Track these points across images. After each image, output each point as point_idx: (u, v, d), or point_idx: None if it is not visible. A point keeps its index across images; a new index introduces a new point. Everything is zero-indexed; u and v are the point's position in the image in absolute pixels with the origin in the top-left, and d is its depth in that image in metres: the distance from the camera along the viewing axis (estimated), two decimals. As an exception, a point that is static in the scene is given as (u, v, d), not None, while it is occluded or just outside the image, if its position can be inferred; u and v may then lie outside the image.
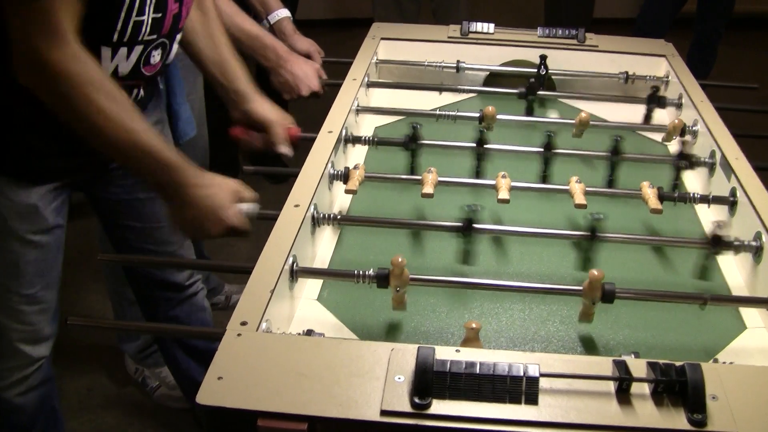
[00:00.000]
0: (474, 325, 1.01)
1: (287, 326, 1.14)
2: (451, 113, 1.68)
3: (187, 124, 1.89)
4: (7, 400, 1.57)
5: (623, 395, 0.88)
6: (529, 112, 1.81)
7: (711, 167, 1.51)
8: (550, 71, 1.91)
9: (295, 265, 1.15)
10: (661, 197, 1.39)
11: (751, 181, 1.36)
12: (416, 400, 0.85)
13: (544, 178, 1.53)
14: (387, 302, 1.16)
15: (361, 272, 1.13)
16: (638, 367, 0.90)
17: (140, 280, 1.79)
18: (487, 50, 1.99)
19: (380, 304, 1.20)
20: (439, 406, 0.85)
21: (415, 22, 2.89)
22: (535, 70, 1.90)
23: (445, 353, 0.90)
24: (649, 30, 3.33)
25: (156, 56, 1.36)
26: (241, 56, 1.61)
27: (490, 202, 1.40)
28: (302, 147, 1.50)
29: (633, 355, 1.02)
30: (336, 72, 1.92)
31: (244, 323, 0.98)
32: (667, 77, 1.91)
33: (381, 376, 0.89)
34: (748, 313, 1.22)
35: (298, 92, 1.84)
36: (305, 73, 1.84)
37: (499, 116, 1.64)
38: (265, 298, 1.03)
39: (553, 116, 1.84)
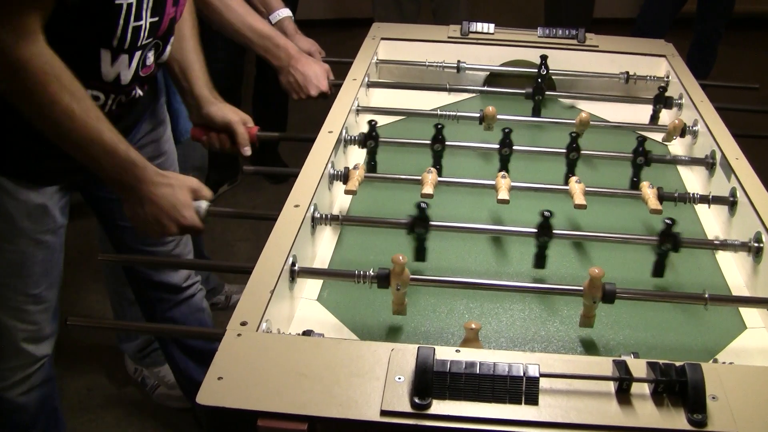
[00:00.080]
0: (474, 326, 1.01)
1: (287, 326, 1.14)
2: (452, 113, 1.68)
3: (187, 122, 1.90)
4: (10, 399, 1.57)
5: (623, 395, 0.88)
6: (536, 112, 1.81)
7: (711, 167, 1.51)
8: (550, 71, 1.91)
9: (295, 265, 1.15)
10: (661, 197, 1.39)
11: (751, 181, 1.36)
12: (416, 400, 0.85)
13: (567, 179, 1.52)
14: (387, 302, 1.16)
15: (361, 272, 1.13)
16: (638, 367, 0.90)
17: (139, 281, 1.79)
18: (487, 50, 1.99)
19: (380, 305, 1.20)
20: (439, 407, 0.85)
21: (415, 22, 2.90)
22: (536, 71, 1.90)
23: (445, 353, 0.90)
24: (649, 30, 3.33)
25: (150, 57, 1.37)
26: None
27: (490, 203, 1.40)
28: (302, 147, 1.51)
29: (633, 355, 1.02)
30: (336, 72, 1.92)
31: (244, 323, 0.98)
32: (667, 77, 1.91)
33: (381, 377, 0.89)
34: (748, 313, 1.22)
35: (307, 92, 1.85)
36: (315, 73, 1.85)
37: (499, 116, 1.64)
38: (265, 298, 1.03)
39: (553, 116, 1.84)
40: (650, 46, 2.01)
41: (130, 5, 1.23)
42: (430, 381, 0.86)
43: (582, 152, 1.56)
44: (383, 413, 0.85)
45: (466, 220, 1.41)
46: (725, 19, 3.57)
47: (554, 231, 1.26)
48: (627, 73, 1.92)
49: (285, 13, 1.98)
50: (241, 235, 2.96)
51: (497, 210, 1.44)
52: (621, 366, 0.89)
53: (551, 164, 1.59)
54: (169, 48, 1.42)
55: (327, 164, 1.38)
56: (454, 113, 1.68)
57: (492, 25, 2.03)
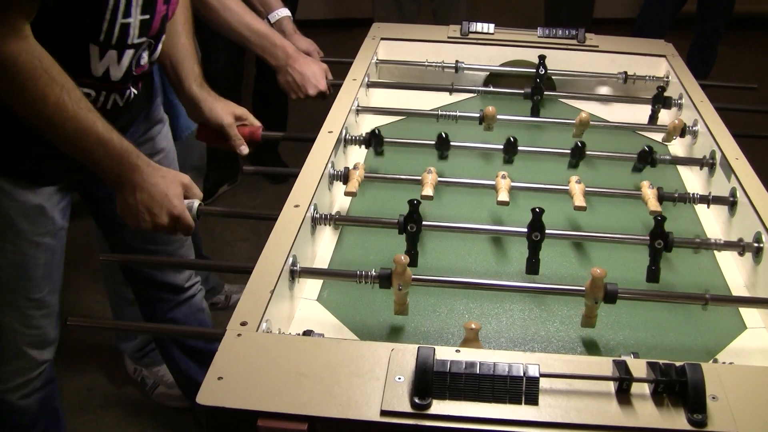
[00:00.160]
0: (474, 326, 1.01)
1: (287, 326, 1.14)
2: (452, 113, 1.68)
3: (187, 120, 1.90)
4: (10, 402, 1.57)
5: (623, 395, 0.88)
6: (535, 112, 1.81)
7: (711, 167, 1.51)
8: (550, 71, 1.91)
9: (295, 265, 1.15)
10: (661, 197, 1.39)
11: (751, 181, 1.36)
12: (416, 400, 0.85)
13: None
14: (387, 302, 1.16)
15: (363, 272, 1.13)
16: (638, 367, 0.90)
17: (139, 281, 1.79)
18: (487, 50, 1.99)
19: (380, 305, 1.20)
20: (439, 407, 0.85)
21: (415, 22, 2.90)
22: (535, 71, 1.90)
23: (445, 353, 0.90)
24: (649, 30, 3.33)
25: (145, 57, 1.37)
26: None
27: (490, 203, 1.40)
28: (302, 147, 1.51)
29: (633, 355, 1.02)
30: (336, 72, 1.92)
31: (244, 323, 0.98)
32: (667, 77, 1.91)
33: (381, 377, 0.89)
34: (748, 313, 1.22)
35: (305, 92, 1.85)
36: (313, 72, 1.85)
37: (499, 116, 1.64)
38: (265, 298, 1.03)
39: (552, 116, 1.84)
40: (650, 46, 2.01)
41: (117, 1, 1.23)
42: (430, 381, 0.86)
43: (608, 153, 1.57)
44: (383, 413, 0.85)
45: (466, 220, 1.41)
46: (725, 19, 3.57)
47: (554, 231, 1.26)
48: (625, 73, 1.92)
49: (284, 12, 1.98)
50: (241, 235, 2.96)
51: (497, 210, 1.44)
52: (621, 366, 0.89)
53: (551, 164, 1.59)
54: (161, 46, 1.42)
55: (327, 164, 1.38)
56: (454, 113, 1.68)
57: (492, 25, 2.02)
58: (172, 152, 1.70)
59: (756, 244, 1.25)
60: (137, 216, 1.29)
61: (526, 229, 1.25)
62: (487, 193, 1.43)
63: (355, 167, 1.42)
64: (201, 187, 2.11)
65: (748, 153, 1.46)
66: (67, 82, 1.19)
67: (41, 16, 1.16)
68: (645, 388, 0.89)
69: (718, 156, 1.49)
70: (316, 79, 1.85)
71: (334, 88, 1.76)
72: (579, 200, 1.36)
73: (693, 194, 1.41)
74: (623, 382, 0.87)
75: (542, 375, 0.87)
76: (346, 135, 1.54)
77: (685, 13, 3.56)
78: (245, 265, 1.13)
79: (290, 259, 1.13)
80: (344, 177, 1.41)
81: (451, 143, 1.54)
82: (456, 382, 0.86)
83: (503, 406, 0.86)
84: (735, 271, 1.33)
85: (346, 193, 1.38)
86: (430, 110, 1.73)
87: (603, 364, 0.92)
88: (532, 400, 0.86)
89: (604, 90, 1.95)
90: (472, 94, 1.89)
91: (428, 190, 1.36)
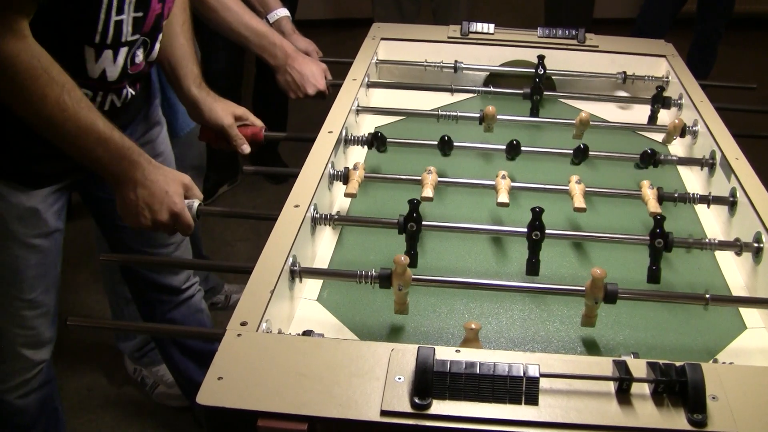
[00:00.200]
0: (474, 326, 1.01)
1: (287, 326, 1.14)
2: (452, 113, 1.68)
3: (186, 118, 1.90)
4: (9, 402, 1.57)
5: (623, 395, 0.88)
6: (535, 112, 1.81)
7: (711, 167, 1.51)
8: (550, 71, 1.91)
9: (295, 265, 1.15)
10: (661, 197, 1.39)
11: (751, 181, 1.36)
12: (416, 400, 0.85)
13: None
14: (387, 303, 1.16)
15: (363, 272, 1.13)
16: (638, 367, 0.90)
17: (137, 282, 1.79)
18: (487, 50, 1.99)
19: (380, 305, 1.20)
20: (439, 407, 0.85)
21: (415, 22, 2.90)
22: (534, 71, 1.90)
23: (445, 353, 0.90)
24: (649, 30, 3.33)
25: (140, 55, 1.36)
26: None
27: (491, 203, 1.40)
28: (302, 147, 1.51)
29: (633, 355, 1.02)
30: (336, 72, 1.92)
31: (244, 323, 0.98)
32: (667, 77, 1.91)
33: (381, 377, 0.89)
34: (748, 313, 1.22)
35: (305, 91, 1.84)
36: (312, 72, 1.85)
37: (499, 116, 1.64)
38: (265, 298, 1.03)
39: (552, 116, 1.84)
40: (650, 46, 2.01)
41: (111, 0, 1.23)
42: (430, 381, 0.86)
43: (612, 154, 1.57)
44: (383, 413, 0.85)
45: (466, 220, 1.41)
46: (725, 19, 3.57)
47: (554, 231, 1.26)
48: (624, 73, 1.92)
49: (283, 12, 1.98)
50: (241, 235, 2.96)
51: (497, 210, 1.44)
52: (621, 366, 0.89)
53: (551, 164, 1.59)
54: (158, 46, 1.41)
55: (327, 164, 1.38)
56: (455, 113, 1.68)
57: (492, 25, 2.02)
58: (170, 156, 1.70)
59: (756, 244, 1.25)
60: (137, 212, 1.29)
61: (526, 229, 1.25)
62: (487, 193, 1.43)
63: (355, 167, 1.42)
64: (201, 186, 2.11)
65: (748, 153, 1.46)
66: (68, 82, 1.18)
67: (36, 20, 1.16)
68: (645, 388, 0.88)
69: (718, 156, 1.49)
70: (315, 79, 1.85)
71: (334, 88, 1.76)
72: (579, 202, 1.36)
73: (693, 194, 1.42)
74: (623, 382, 0.87)
75: (542, 375, 0.87)
76: (346, 135, 1.54)
77: (685, 13, 3.56)
78: (245, 265, 1.13)
79: (290, 259, 1.13)
80: (344, 177, 1.41)
81: (454, 143, 1.54)
82: (456, 382, 0.86)
83: (503, 406, 0.86)
84: (735, 271, 1.33)
85: (346, 195, 1.38)
86: (430, 110, 1.73)
87: (603, 364, 0.92)
88: (532, 400, 0.86)
89: (603, 90, 1.95)
90: (472, 94, 1.89)
91: (428, 192, 1.36)
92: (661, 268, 1.25)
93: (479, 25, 2.03)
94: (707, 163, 1.52)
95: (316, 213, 1.29)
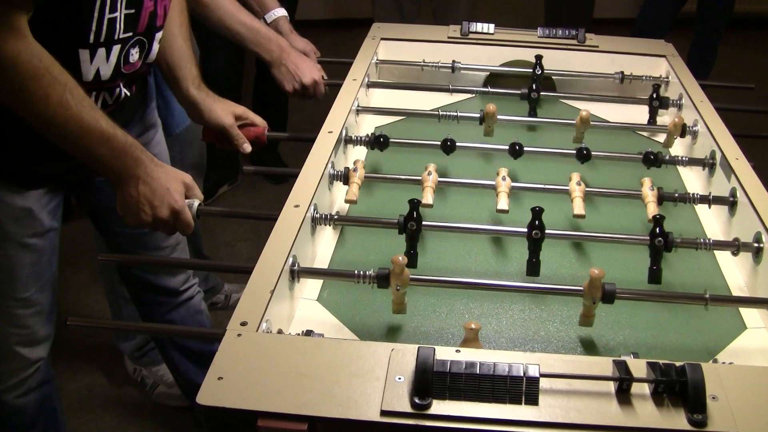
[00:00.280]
0: (474, 326, 1.01)
1: (287, 326, 1.14)
2: (452, 113, 1.68)
3: (181, 114, 1.90)
4: (7, 402, 1.56)
5: (623, 395, 0.88)
6: (532, 113, 1.81)
7: (711, 167, 1.51)
8: (550, 72, 1.92)
9: (295, 265, 1.15)
10: (661, 197, 1.39)
11: (751, 181, 1.36)
12: (416, 400, 0.85)
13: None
14: (387, 303, 1.16)
15: (361, 272, 1.13)
16: (638, 367, 0.90)
17: (135, 284, 1.79)
18: (487, 50, 1.99)
19: (380, 305, 1.20)
20: (439, 407, 0.85)
21: (415, 22, 2.90)
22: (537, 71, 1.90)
23: (445, 353, 0.90)
24: (649, 30, 3.33)
25: (134, 54, 1.36)
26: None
27: (491, 203, 1.40)
28: (302, 147, 1.51)
29: (633, 355, 1.02)
30: (336, 72, 1.92)
31: (244, 323, 0.98)
32: (667, 77, 1.91)
33: (381, 377, 0.89)
34: (748, 313, 1.22)
35: (300, 80, 1.84)
36: (307, 65, 1.85)
37: (499, 117, 1.64)
38: (265, 298, 1.03)
39: (552, 116, 1.84)
40: (650, 46, 2.01)
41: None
42: (430, 381, 0.86)
43: (614, 154, 1.57)
44: (383, 413, 0.85)
45: (466, 220, 1.41)
46: (725, 19, 3.57)
47: (554, 231, 1.26)
48: (622, 73, 1.92)
49: (280, 12, 1.98)
50: (241, 235, 2.96)
51: (497, 210, 1.44)
52: (621, 366, 0.89)
53: (551, 164, 1.59)
54: (156, 46, 1.41)
55: (327, 164, 1.38)
56: (455, 113, 1.68)
57: (492, 26, 2.03)
58: (166, 158, 1.69)
59: (756, 244, 1.25)
60: (138, 209, 1.28)
61: (526, 230, 1.25)
62: (487, 193, 1.43)
63: (355, 168, 1.42)
64: (201, 186, 2.10)
65: (748, 153, 1.46)
66: (69, 81, 1.18)
67: (31, 24, 1.15)
68: (645, 388, 0.88)
69: (718, 156, 1.49)
70: (311, 70, 1.84)
71: (335, 88, 1.76)
72: (578, 208, 1.35)
73: (693, 194, 1.42)
74: (623, 382, 0.87)
75: (542, 375, 0.87)
76: (346, 135, 1.54)
77: (685, 13, 3.56)
78: (245, 265, 1.13)
79: (290, 259, 1.13)
80: (344, 177, 1.41)
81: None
82: (456, 382, 0.86)
83: (503, 406, 0.86)
84: (735, 271, 1.33)
85: (347, 201, 1.38)
86: (431, 110, 1.73)
87: (603, 364, 0.92)
88: (532, 400, 0.86)
89: (603, 90, 1.95)
90: (470, 95, 1.89)
91: (428, 199, 1.36)
92: (662, 268, 1.25)
93: (479, 25, 2.03)
94: (707, 163, 1.52)
95: (316, 213, 1.29)
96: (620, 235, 1.31)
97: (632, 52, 1.98)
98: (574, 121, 1.64)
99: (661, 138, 1.71)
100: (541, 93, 1.85)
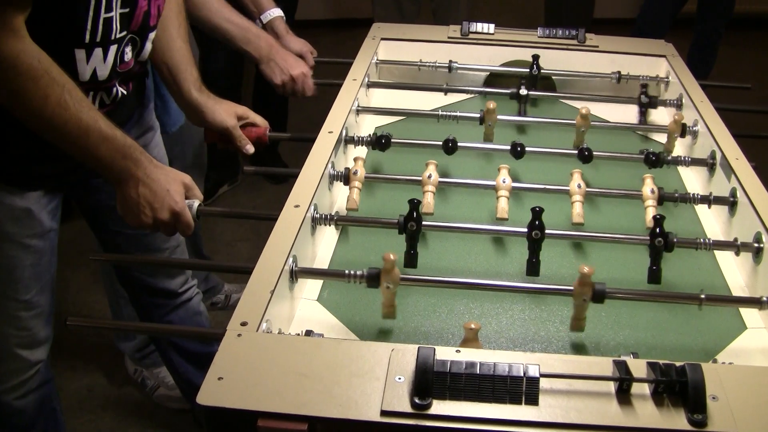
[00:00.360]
0: (473, 326, 1.01)
1: (287, 327, 1.14)
2: (452, 113, 1.68)
3: (177, 113, 1.89)
4: (7, 403, 1.56)
5: (623, 396, 0.88)
6: (522, 112, 1.81)
7: (711, 167, 1.51)
8: (550, 72, 1.92)
9: (295, 265, 1.15)
10: (662, 198, 1.39)
11: (751, 182, 1.36)
12: (416, 400, 0.85)
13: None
14: (387, 302, 1.16)
15: (352, 272, 1.13)
16: (638, 367, 0.90)
17: (133, 286, 1.78)
18: (488, 50, 1.99)
19: (380, 305, 1.20)
20: (439, 407, 0.85)
21: (415, 22, 2.90)
22: (536, 71, 1.90)
23: (446, 353, 0.90)
24: (649, 30, 3.33)
25: (128, 53, 1.36)
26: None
27: (491, 203, 1.40)
28: (302, 147, 1.51)
29: (633, 356, 1.02)
30: (336, 72, 1.92)
31: (244, 323, 0.98)
32: (667, 77, 1.91)
33: (381, 377, 0.89)
34: (748, 313, 1.22)
35: (289, 72, 1.83)
36: (294, 59, 1.85)
37: (499, 117, 1.64)
38: (265, 298, 1.03)
39: (552, 116, 1.84)
40: (650, 46, 2.01)
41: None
42: (431, 381, 0.86)
43: (616, 154, 1.57)
44: (383, 413, 0.85)
45: (466, 220, 1.41)
46: (725, 19, 3.57)
47: (554, 231, 1.26)
48: (618, 72, 1.91)
49: (276, 12, 1.98)
50: (241, 235, 2.96)
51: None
52: (621, 366, 0.89)
53: (551, 164, 1.59)
54: (148, 45, 1.41)
55: (327, 164, 1.38)
56: (455, 113, 1.68)
57: (492, 26, 2.02)
58: (164, 160, 1.69)
59: (756, 245, 1.25)
60: (139, 211, 1.28)
61: (526, 229, 1.25)
62: (487, 193, 1.43)
63: (356, 171, 1.41)
64: (202, 185, 2.09)
65: (748, 153, 1.46)
66: (68, 82, 1.18)
67: (26, 25, 1.15)
68: (645, 389, 0.88)
69: (718, 156, 1.49)
70: (299, 65, 1.84)
71: (335, 88, 1.75)
72: (577, 217, 1.35)
73: (693, 194, 1.41)
74: (623, 382, 0.87)
75: (542, 375, 0.87)
76: (347, 135, 1.54)
77: (685, 13, 3.56)
78: (245, 265, 1.13)
79: (290, 259, 1.13)
80: (344, 177, 1.41)
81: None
82: (456, 383, 0.86)
83: (503, 407, 0.86)
84: (735, 271, 1.33)
85: (348, 209, 1.38)
86: (431, 110, 1.73)
87: (603, 364, 0.92)
88: (533, 400, 0.86)
89: (603, 90, 1.95)
90: (468, 95, 1.89)
91: (429, 207, 1.36)
92: (662, 268, 1.25)
93: (479, 25, 2.03)
94: (707, 164, 1.52)
95: (317, 213, 1.29)
96: (620, 235, 1.31)
97: (632, 52, 1.98)
98: (574, 121, 1.64)
99: (659, 137, 1.71)
100: (540, 93, 1.85)
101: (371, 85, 1.84)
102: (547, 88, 1.95)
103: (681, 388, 0.86)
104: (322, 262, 1.32)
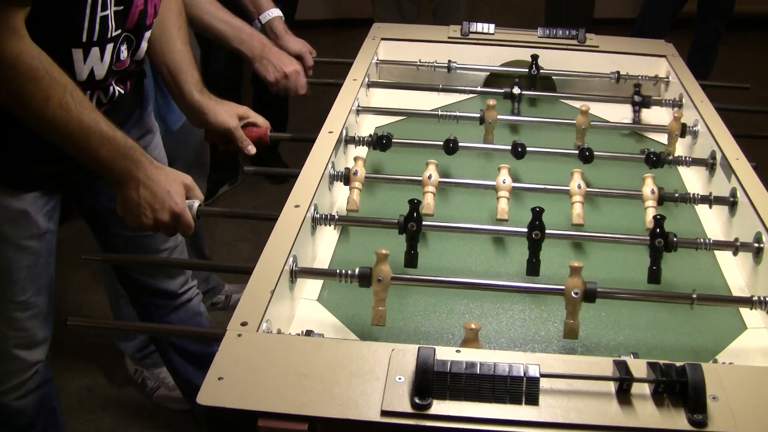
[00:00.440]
0: (474, 326, 1.01)
1: (287, 327, 1.14)
2: (452, 113, 1.68)
3: (179, 113, 1.89)
4: (6, 404, 1.56)
5: (624, 396, 0.88)
6: (516, 111, 1.81)
7: (711, 167, 1.51)
8: (550, 72, 1.91)
9: (295, 265, 1.15)
10: (662, 198, 1.39)
11: (752, 182, 1.36)
12: (416, 400, 0.85)
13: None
14: (387, 303, 1.16)
15: (343, 271, 1.13)
16: (638, 367, 0.90)
17: (132, 287, 1.78)
18: (488, 50, 1.99)
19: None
20: (439, 407, 0.85)
21: (415, 22, 2.90)
22: (536, 71, 1.90)
23: (446, 354, 0.90)
24: (649, 30, 3.33)
25: (124, 51, 1.36)
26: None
27: (491, 203, 1.40)
28: (302, 147, 1.51)
29: (633, 356, 1.02)
30: (336, 72, 1.92)
31: (244, 324, 0.98)
32: (667, 77, 1.91)
33: (381, 377, 0.89)
34: (748, 313, 1.22)
35: (282, 69, 1.83)
36: (287, 57, 1.86)
37: (499, 117, 1.64)
38: (265, 298, 1.03)
39: (552, 116, 1.84)
40: (650, 47, 2.01)
41: None
42: (431, 381, 0.86)
43: (618, 154, 1.57)
44: (383, 413, 0.85)
45: (466, 220, 1.41)
46: (725, 19, 3.57)
47: (554, 231, 1.26)
48: (618, 72, 1.91)
49: (275, 12, 1.98)
50: (241, 235, 2.96)
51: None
52: (621, 366, 0.89)
53: (551, 164, 1.59)
54: (144, 44, 1.40)
55: (327, 164, 1.38)
56: (455, 113, 1.68)
57: (492, 26, 2.02)
58: (164, 162, 1.68)
59: (756, 245, 1.25)
60: (139, 212, 1.28)
61: (526, 229, 1.25)
62: (488, 193, 1.43)
63: (356, 171, 1.41)
64: (204, 185, 2.09)
65: (748, 153, 1.46)
66: (69, 83, 1.18)
67: (25, 22, 1.15)
68: (645, 389, 0.88)
69: (718, 156, 1.49)
70: (291, 61, 1.85)
71: (335, 88, 1.75)
72: (577, 218, 1.35)
73: (694, 195, 1.41)
74: (623, 382, 0.87)
75: (542, 375, 0.87)
76: (347, 135, 1.54)
77: (685, 13, 3.56)
78: (245, 265, 1.13)
79: (290, 260, 1.13)
80: (344, 177, 1.41)
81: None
82: (456, 383, 0.86)
83: (503, 407, 0.86)
84: (735, 271, 1.33)
85: (348, 210, 1.38)
86: (431, 110, 1.73)
87: (603, 364, 0.92)
88: (533, 400, 0.86)
89: (603, 90, 1.95)
90: (468, 95, 1.89)
91: (429, 208, 1.36)
92: (662, 268, 1.25)
93: (479, 25, 2.03)
94: (707, 164, 1.52)
95: (317, 213, 1.29)
96: (620, 235, 1.31)
97: (632, 52, 1.98)
98: (574, 121, 1.64)
99: (658, 136, 1.71)
100: (534, 93, 1.85)
101: (371, 85, 1.84)
102: (547, 88, 1.95)
103: (681, 388, 0.86)
104: (323, 262, 1.32)
